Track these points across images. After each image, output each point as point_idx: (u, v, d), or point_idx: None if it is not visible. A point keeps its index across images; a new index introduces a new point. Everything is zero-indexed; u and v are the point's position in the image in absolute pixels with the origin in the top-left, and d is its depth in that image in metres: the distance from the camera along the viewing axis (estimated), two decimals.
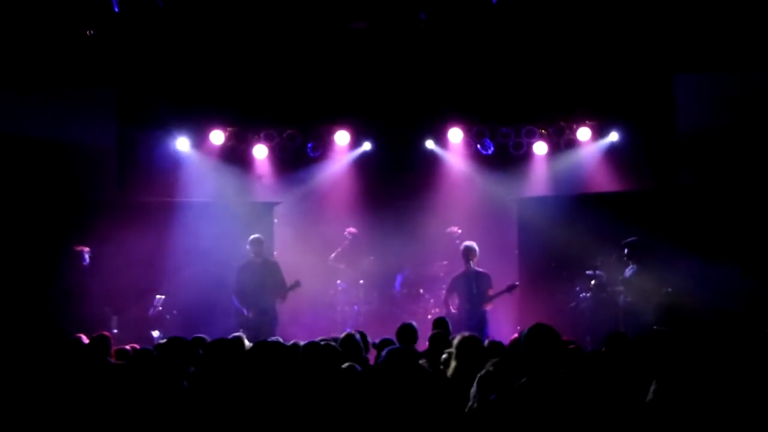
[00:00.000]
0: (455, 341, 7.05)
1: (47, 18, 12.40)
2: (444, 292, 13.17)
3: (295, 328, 12.95)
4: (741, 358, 6.31)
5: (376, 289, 14.91)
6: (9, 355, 7.37)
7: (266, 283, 12.66)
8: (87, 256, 12.51)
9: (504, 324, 13.59)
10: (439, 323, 9.52)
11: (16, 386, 6.59)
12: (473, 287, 12.58)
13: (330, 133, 15.15)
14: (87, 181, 14.10)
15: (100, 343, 8.42)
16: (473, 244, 12.89)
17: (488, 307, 12.59)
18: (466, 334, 7.18)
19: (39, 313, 11.80)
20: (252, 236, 12.90)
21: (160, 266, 13.35)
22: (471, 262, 12.72)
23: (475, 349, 6.91)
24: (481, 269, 12.81)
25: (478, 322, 12.33)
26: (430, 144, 15.17)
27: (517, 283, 13.02)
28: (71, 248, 12.50)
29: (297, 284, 12.73)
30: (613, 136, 14.56)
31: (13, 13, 12.22)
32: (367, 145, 15.25)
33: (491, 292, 12.60)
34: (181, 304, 13.30)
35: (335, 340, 7.90)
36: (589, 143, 14.79)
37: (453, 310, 12.66)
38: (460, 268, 13.00)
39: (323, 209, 15.32)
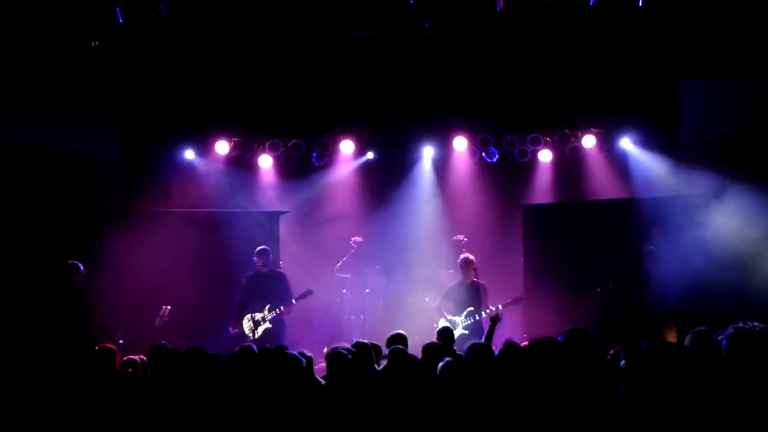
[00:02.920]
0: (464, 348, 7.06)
1: (52, 29, 12.41)
2: (438, 300, 13.17)
3: (301, 337, 12.94)
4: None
5: (381, 298, 14.90)
6: (13, 364, 7.36)
7: (273, 293, 12.66)
8: (77, 273, 12.43)
9: (509, 333, 13.56)
10: (445, 334, 9.55)
11: (22, 395, 6.58)
12: (468, 297, 12.62)
13: (335, 143, 15.18)
14: (92, 191, 14.11)
15: (104, 355, 8.37)
16: (471, 256, 12.90)
17: (491, 315, 12.58)
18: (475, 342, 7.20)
19: (41, 323, 11.77)
20: (259, 247, 12.90)
21: (166, 276, 13.33)
22: (468, 273, 12.73)
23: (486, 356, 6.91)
24: (477, 279, 12.76)
25: (473, 331, 12.36)
26: (428, 152, 15.19)
27: (518, 294, 13.00)
28: (66, 262, 12.46)
29: (309, 293, 12.74)
30: (624, 144, 14.57)
31: (19, 24, 12.24)
32: (369, 155, 15.26)
33: (491, 303, 12.58)
34: (187, 314, 13.28)
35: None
36: (595, 150, 14.79)
37: (447, 318, 12.69)
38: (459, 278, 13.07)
39: (328, 218, 15.32)
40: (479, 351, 6.98)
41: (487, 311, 12.48)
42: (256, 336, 12.39)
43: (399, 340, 8.88)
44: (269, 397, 5.96)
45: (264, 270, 12.79)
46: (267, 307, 12.56)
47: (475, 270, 12.73)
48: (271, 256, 12.92)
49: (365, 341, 8.18)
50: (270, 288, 12.71)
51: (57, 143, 13.56)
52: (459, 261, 12.98)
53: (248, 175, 15.23)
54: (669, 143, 14.27)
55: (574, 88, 14.39)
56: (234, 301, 12.80)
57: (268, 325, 12.53)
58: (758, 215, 12.17)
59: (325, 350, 12.12)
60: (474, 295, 12.61)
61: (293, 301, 12.60)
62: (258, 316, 12.58)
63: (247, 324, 12.59)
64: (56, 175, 13.68)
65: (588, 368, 5.69)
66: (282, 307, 12.55)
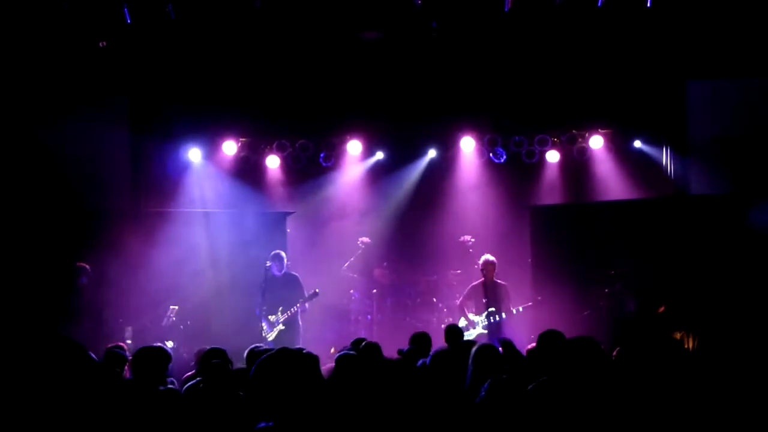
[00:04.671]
0: (472, 350, 7.03)
1: (61, 30, 12.43)
2: (461, 298, 13.22)
3: (309, 338, 12.94)
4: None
5: (389, 298, 14.90)
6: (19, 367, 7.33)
7: (286, 295, 12.73)
8: (84, 275, 12.46)
9: (518, 333, 13.56)
10: (451, 332, 9.53)
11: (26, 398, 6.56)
12: (489, 298, 12.70)
13: (342, 143, 15.18)
14: (100, 191, 14.12)
15: (115, 354, 8.38)
16: (492, 257, 12.97)
17: (509, 316, 12.72)
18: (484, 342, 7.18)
19: (48, 326, 11.76)
20: (273, 252, 12.98)
21: (174, 276, 13.34)
22: (490, 274, 12.84)
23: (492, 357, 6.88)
24: (499, 280, 12.92)
25: (492, 331, 12.46)
26: (432, 153, 15.21)
27: (539, 298, 13.09)
28: (74, 264, 12.50)
29: (315, 294, 12.79)
30: (635, 144, 14.57)
31: (27, 25, 12.26)
32: (379, 155, 15.27)
33: (511, 305, 12.71)
34: (194, 314, 13.31)
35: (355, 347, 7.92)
36: (602, 151, 14.76)
37: (468, 317, 12.78)
38: (476, 277, 13.09)
39: (336, 219, 15.33)
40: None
41: (506, 312, 12.59)
42: (270, 338, 12.48)
43: (422, 339, 8.85)
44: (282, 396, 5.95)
45: (278, 273, 12.86)
46: (280, 309, 12.64)
47: (484, 271, 12.84)
48: (285, 259, 12.97)
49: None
50: (283, 290, 12.80)
51: (64, 143, 13.56)
52: (481, 262, 13.04)
53: (256, 175, 15.24)
54: (677, 143, 14.23)
55: (581, 89, 14.36)
56: (257, 302, 12.85)
57: (281, 327, 12.62)
58: None
59: (332, 350, 12.15)
60: (495, 295, 12.71)
61: (297, 305, 12.64)
62: (272, 318, 12.67)
63: (263, 326, 12.68)
64: (63, 176, 13.70)
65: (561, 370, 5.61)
66: (292, 310, 12.61)
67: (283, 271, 12.94)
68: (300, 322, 12.83)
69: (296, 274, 13.12)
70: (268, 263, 12.82)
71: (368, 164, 15.39)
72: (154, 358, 6.95)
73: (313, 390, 5.63)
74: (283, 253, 13.04)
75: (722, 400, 5.46)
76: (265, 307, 12.75)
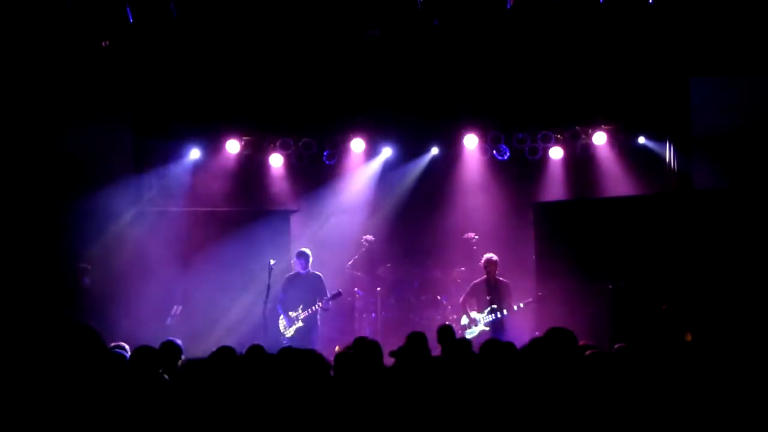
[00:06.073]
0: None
1: (63, 30, 12.44)
2: (463, 296, 13.22)
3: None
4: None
5: (393, 296, 14.90)
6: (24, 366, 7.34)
7: (308, 294, 12.81)
8: (87, 275, 12.51)
9: (522, 330, 13.55)
10: (444, 332, 9.50)
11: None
12: (492, 295, 12.71)
13: (345, 141, 15.17)
14: (103, 191, 14.12)
15: (117, 353, 8.40)
16: (494, 256, 12.99)
17: (511, 313, 12.73)
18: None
19: (48, 325, 11.75)
20: (299, 250, 13.11)
21: (177, 275, 13.36)
22: (492, 272, 12.86)
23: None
24: (501, 278, 12.92)
25: (494, 328, 12.48)
26: (435, 151, 15.20)
27: (540, 293, 13.10)
28: (76, 265, 12.52)
29: (339, 294, 12.91)
30: (638, 140, 14.54)
31: (30, 23, 12.27)
32: (387, 151, 15.25)
33: (513, 303, 12.71)
34: (198, 313, 13.32)
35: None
36: (605, 147, 14.73)
37: (470, 314, 12.81)
38: (480, 274, 13.10)
39: (339, 216, 15.32)
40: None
41: (508, 310, 12.62)
42: (289, 334, 12.56)
43: (418, 339, 8.83)
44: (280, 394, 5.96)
45: (303, 271, 12.94)
46: (300, 306, 12.70)
47: (487, 269, 12.88)
48: (309, 258, 13.01)
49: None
50: (306, 288, 12.89)
51: (67, 143, 13.56)
52: (483, 260, 13.07)
53: (259, 173, 15.24)
54: (681, 138, 14.20)
55: (584, 85, 14.34)
56: (278, 298, 12.88)
57: (300, 324, 12.70)
58: None
59: (336, 349, 12.16)
60: (497, 293, 12.75)
61: (319, 304, 12.68)
62: (292, 314, 12.74)
63: (281, 322, 12.76)
64: (66, 176, 13.69)
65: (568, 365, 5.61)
66: (313, 308, 12.67)
67: (307, 270, 12.99)
68: (319, 322, 12.90)
69: (320, 274, 13.17)
70: (272, 261, 12.82)
71: (372, 162, 15.38)
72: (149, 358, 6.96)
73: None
74: (308, 251, 13.08)
75: (723, 395, 5.45)
76: (269, 305, 12.75)
